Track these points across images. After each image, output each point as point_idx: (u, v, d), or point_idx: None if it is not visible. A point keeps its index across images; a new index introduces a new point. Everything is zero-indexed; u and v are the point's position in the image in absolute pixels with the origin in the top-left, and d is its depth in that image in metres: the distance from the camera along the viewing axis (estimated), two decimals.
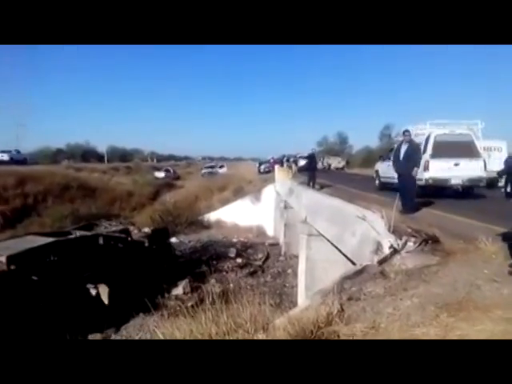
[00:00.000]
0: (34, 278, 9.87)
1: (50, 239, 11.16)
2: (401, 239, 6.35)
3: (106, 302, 10.69)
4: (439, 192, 12.76)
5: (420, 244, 6.32)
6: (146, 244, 13.65)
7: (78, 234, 12.44)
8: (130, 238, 13.17)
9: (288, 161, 38.45)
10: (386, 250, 6.24)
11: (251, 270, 15.97)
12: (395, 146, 11.70)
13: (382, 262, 5.99)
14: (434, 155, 12.60)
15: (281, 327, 3.91)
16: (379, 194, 13.24)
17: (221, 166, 60.05)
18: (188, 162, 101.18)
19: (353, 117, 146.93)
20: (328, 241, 9.95)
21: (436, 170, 12.49)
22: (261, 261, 17.52)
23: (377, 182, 16.66)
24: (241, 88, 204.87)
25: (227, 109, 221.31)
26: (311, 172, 20.26)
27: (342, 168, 48.96)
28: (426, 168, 12.38)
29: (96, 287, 10.82)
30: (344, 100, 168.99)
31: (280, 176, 23.90)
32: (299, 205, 14.42)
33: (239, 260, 17.22)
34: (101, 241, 12.20)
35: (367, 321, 4.11)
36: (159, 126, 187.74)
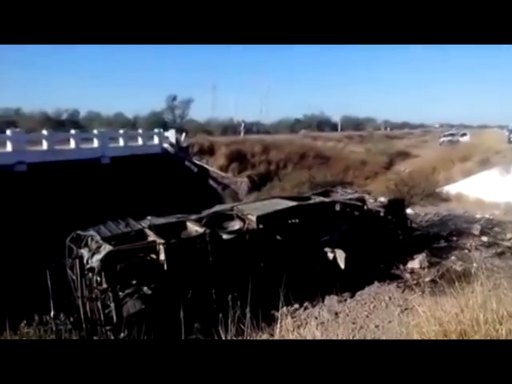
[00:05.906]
0: (278, 237, 10.89)
1: (293, 203, 12.05)
2: None
3: (343, 266, 11.02)
4: None
5: None
6: (382, 214, 13.48)
7: (317, 199, 13.07)
8: (365, 207, 13.19)
9: None
10: None
11: (498, 250, 14.11)
12: None
13: None
14: None
15: None
16: None
17: (462, 134, 54.37)
18: (423, 130, 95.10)
19: None
20: None
21: None
22: (510, 241, 15.28)
23: None
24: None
25: (473, 71, 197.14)
26: None
27: None
28: None
29: (333, 251, 11.24)
30: None
31: None
32: None
33: (484, 238, 15.42)
34: (337, 207, 12.57)
35: None
36: (392, 94, 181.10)
